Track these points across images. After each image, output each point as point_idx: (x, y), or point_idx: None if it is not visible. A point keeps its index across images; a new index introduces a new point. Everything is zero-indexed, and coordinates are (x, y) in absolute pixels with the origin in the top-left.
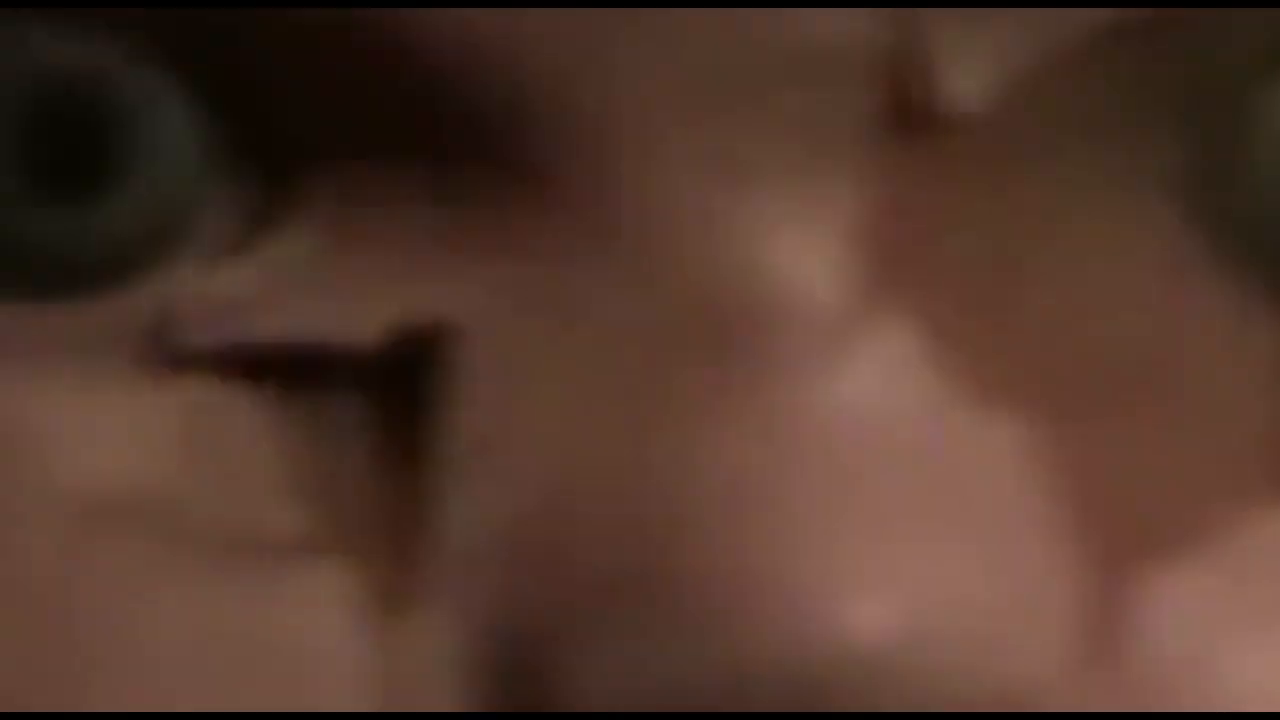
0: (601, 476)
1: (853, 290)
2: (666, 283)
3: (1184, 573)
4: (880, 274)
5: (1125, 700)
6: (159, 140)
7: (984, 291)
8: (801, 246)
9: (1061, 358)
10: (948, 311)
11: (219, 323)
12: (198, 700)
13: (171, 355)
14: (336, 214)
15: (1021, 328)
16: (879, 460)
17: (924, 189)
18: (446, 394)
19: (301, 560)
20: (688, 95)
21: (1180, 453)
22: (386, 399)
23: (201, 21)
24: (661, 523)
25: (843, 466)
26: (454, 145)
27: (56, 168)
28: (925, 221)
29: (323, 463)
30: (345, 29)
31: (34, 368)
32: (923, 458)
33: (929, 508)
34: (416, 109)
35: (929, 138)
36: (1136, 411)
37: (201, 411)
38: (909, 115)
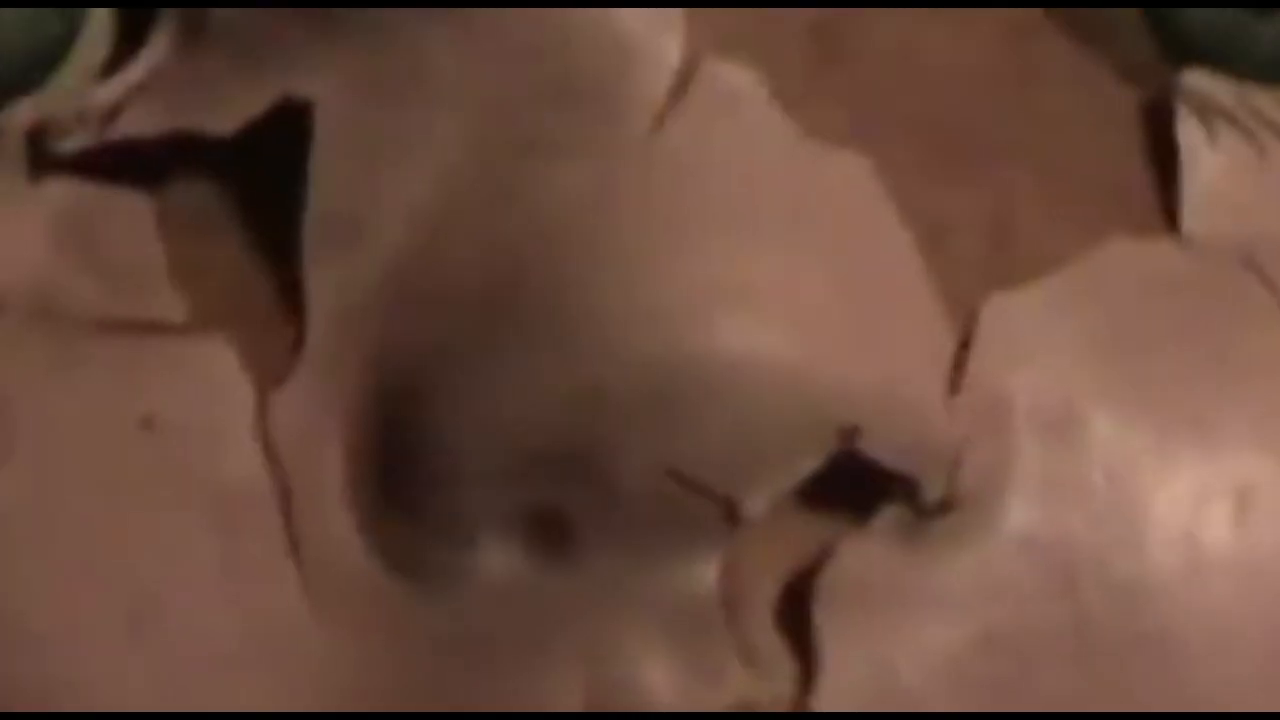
0: (467, 214)
1: (694, 43)
2: (521, 46)
3: (1024, 301)
4: (725, 33)
5: (969, 416)
6: None
7: (825, 53)
8: (647, 10)
9: (905, 113)
10: (791, 68)
11: (90, 129)
12: (92, 471)
13: (45, 161)
14: (192, 21)
15: (861, 87)
16: (729, 185)
17: None
18: (308, 172)
19: (182, 339)
20: None
21: (1028, 203)
22: (256, 184)
23: None
24: (528, 245)
25: (693, 191)
26: None
27: None
28: None
29: (198, 249)
30: None
31: None
32: (774, 184)
33: (780, 229)
34: None
35: None
36: (981, 167)
37: (74, 210)
38: None
